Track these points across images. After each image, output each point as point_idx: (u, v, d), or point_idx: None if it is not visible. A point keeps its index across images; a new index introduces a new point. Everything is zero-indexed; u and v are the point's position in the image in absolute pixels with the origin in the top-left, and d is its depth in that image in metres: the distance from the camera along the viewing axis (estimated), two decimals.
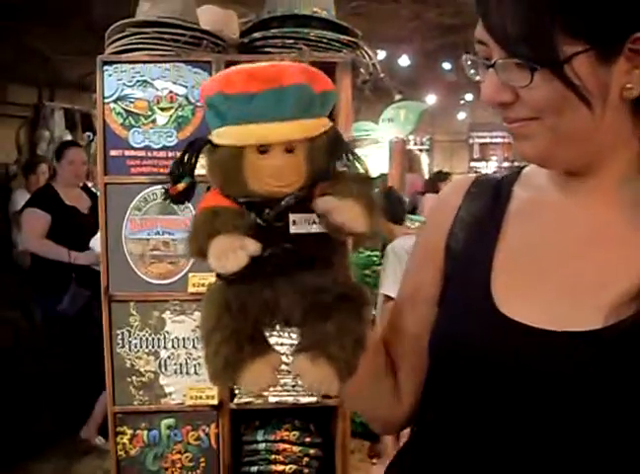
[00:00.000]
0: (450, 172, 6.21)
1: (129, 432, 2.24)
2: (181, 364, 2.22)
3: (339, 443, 2.33)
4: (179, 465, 2.25)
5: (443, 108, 10.18)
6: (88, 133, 6.50)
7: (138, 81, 2.15)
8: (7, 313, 4.41)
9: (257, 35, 2.18)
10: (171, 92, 2.16)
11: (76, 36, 5.16)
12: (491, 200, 0.83)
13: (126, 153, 2.17)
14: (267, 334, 0.71)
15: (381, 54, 6.20)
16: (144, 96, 2.15)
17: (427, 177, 7.14)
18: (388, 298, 2.90)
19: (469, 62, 0.74)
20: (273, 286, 0.67)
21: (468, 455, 0.74)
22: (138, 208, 2.19)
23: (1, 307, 4.43)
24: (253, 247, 0.63)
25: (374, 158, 6.40)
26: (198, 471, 2.25)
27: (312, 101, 0.67)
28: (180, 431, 2.24)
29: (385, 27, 6.03)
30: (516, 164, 0.91)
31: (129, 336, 2.20)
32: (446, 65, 8.10)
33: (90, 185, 4.00)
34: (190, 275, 2.18)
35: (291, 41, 2.13)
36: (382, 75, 2.38)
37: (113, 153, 2.17)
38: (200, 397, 2.21)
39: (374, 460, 3.44)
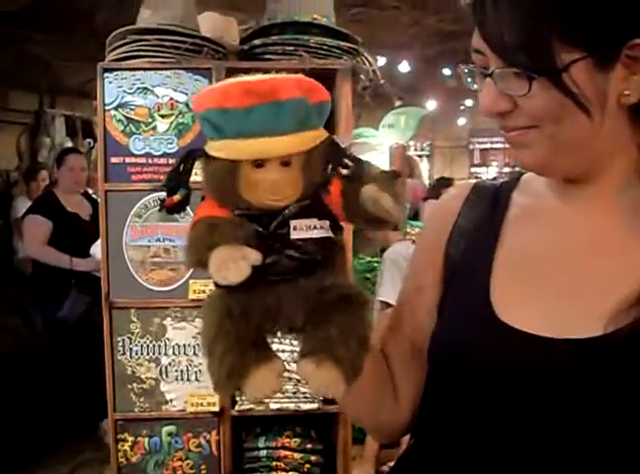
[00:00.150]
0: (452, 178, 6.20)
1: (130, 439, 2.23)
2: (182, 371, 2.22)
3: (340, 450, 2.33)
4: (180, 472, 2.24)
5: (444, 113, 10.18)
6: (89, 140, 6.51)
7: (139, 88, 2.15)
8: (8, 320, 4.42)
9: (257, 42, 2.18)
10: (171, 99, 2.16)
11: (77, 43, 5.17)
12: (490, 207, 0.83)
13: (127, 160, 2.18)
14: (269, 340, 0.71)
15: (381, 61, 6.22)
16: (145, 103, 2.16)
17: (427, 183, 7.13)
18: (386, 305, 2.86)
19: (466, 71, 0.74)
20: (274, 292, 0.67)
21: (468, 463, 0.74)
22: (139, 215, 2.19)
23: (2, 314, 4.44)
24: (254, 256, 0.63)
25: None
26: None
27: (309, 113, 0.67)
28: (181, 438, 2.24)
29: (385, 33, 6.04)
30: (517, 169, 0.91)
31: (130, 343, 2.20)
32: (446, 71, 8.10)
33: (91, 191, 4.00)
34: (190, 281, 2.19)
35: (291, 48, 2.14)
36: (382, 81, 2.38)
37: (113, 160, 2.18)
38: (202, 404, 2.21)
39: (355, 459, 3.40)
